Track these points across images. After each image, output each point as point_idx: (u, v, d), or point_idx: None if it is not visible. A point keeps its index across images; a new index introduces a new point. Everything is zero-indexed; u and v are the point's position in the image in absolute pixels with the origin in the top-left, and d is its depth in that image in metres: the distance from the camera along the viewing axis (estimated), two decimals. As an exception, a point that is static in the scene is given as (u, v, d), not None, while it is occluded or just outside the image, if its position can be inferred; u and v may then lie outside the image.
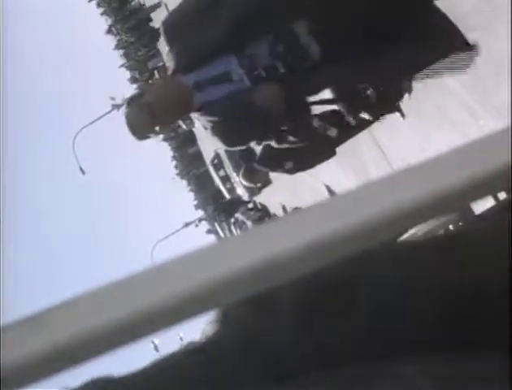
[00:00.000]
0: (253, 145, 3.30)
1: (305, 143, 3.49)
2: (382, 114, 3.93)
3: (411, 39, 2.97)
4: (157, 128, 2.97)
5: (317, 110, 3.21)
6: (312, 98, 3.07)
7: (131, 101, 3.02)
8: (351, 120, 3.70)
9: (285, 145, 3.35)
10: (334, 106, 3.22)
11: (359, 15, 2.91)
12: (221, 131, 3.06)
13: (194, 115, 3.11)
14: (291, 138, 3.29)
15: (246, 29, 2.92)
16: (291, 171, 4.26)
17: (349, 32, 2.89)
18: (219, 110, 3.01)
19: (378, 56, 2.95)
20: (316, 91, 3.04)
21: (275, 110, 2.96)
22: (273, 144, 3.33)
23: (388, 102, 3.75)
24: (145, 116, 2.95)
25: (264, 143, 3.41)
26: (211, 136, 3.11)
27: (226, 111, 3.00)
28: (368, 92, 3.37)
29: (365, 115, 3.70)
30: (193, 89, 3.01)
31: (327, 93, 3.07)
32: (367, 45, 2.91)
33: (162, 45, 3.07)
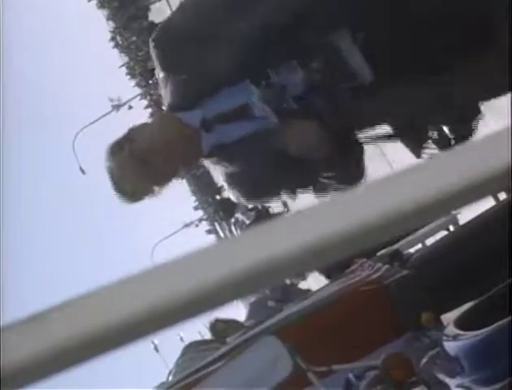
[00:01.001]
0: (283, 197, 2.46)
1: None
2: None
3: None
4: (154, 187, 2.21)
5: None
6: (364, 134, 2.30)
7: (115, 149, 2.20)
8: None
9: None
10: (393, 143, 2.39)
11: (426, 17, 2.17)
12: (242, 183, 2.32)
13: (205, 162, 2.38)
14: (337, 186, 2.39)
15: (269, 49, 2.20)
16: None
17: (413, 41, 2.17)
18: (238, 157, 2.28)
19: (452, 75, 2.19)
20: (370, 124, 2.27)
21: (315, 155, 2.21)
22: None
23: (466, 131, 2.44)
24: (137, 170, 2.16)
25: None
26: (227, 188, 2.40)
27: (247, 158, 2.27)
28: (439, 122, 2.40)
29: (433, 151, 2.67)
30: (200, 129, 2.25)
31: (383, 127, 2.32)
32: (435, 60, 2.19)
33: (156, 70, 2.37)
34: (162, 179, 2.23)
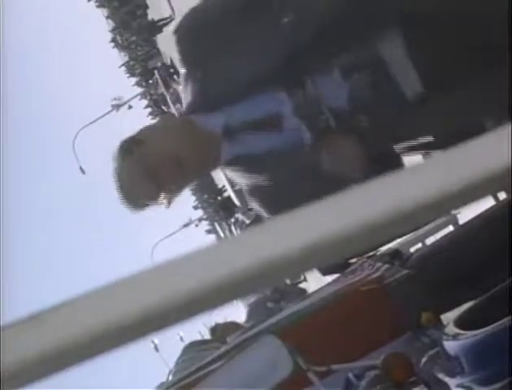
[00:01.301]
0: None
1: None
2: None
3: None
4: (163, 196, 1.97)
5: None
6: (404, 146, 2.08)
7: (124, 150, 1.99)
8: None
9: None
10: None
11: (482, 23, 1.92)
12: (266, 197, 2.10)
13: (222, 169, 2.16)
14: None
15: (307, 54, 1.94)
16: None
17: (466, 44, 1.92)
18: (264, 170, 2.06)
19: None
20: (414, 138, 2.06)
21: (352, 174, 1.95)
22: None
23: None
24: (146, 177, 1.94)
25: None
26: (247, 196, 2.17)
27: (275, 172, 2.05)
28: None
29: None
30: (221, 136, 2.01)
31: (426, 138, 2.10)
32: (487, 61, 1.93)
33: (177, 63, 2.12)
34: (173, 188, 1.98)
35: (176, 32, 2.06)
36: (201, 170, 2.08)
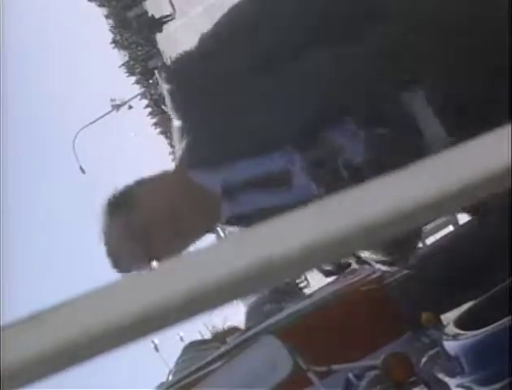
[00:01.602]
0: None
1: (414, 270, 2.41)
2: None
3: None
4: (153, 262, 1.75)
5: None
6: None
7: (113, 210, 1.80)
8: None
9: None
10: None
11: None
12: None
13: (221, 227, 2.00)
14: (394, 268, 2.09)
15: (320, 109, 1.75)
16: None
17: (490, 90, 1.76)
18: None
19: None
20: None
21: None
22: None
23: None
24: (133, 242, 1.74)
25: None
26: None
27: None
28: None
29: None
30: (221, 195, 1.82)
31: None
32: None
33: (169, 109, 1.89)
34: (164, 254, 1.75)
35: (169, 80, 1.83)
36: (198, 232, 1.87)
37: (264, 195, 1.81)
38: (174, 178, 1.87)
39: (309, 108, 1.74)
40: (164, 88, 1.84)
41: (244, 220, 1.84)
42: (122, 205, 1.78)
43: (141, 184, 1.87)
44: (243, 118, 1.77)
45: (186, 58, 1.87)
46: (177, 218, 1.75)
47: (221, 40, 1.83)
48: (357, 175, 1.74)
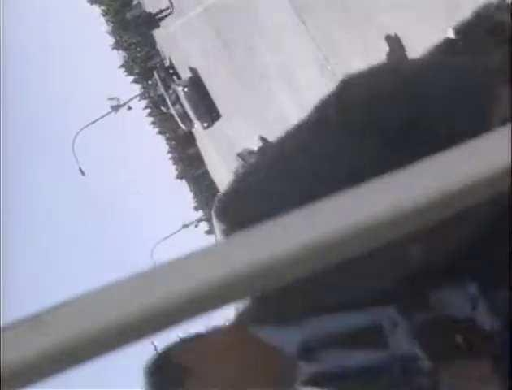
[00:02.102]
0: None
1: None
2: None
3: None
4: None
5: None
6: None
7: (163, 382, 1.34)
8: None
9: None
10: None
11: None
12: None
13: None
14: None
15: (432, 274, 1.44)
16: None
17: None
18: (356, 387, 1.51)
19: None
20: None
21: None
22: None
23: None
24: None
25: None
26: None
27: None
28: None
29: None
30: (297, 357, 1.42)
31: None
32: None
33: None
34: None
35: (218, 211, 1.51)
36: None
37: (353, 354, 1.47)
38: (239, 339, 1.44)
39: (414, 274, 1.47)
40: (214, 222, 1.53)
41: (325, 380, 1.45)
42: (174, 371, 1.37)
43: (193, 344, 1.42)
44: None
45: (234, 187, 1.56)
46: (244, 385, 1.39)
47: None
48: (478, 341, 1.47)
